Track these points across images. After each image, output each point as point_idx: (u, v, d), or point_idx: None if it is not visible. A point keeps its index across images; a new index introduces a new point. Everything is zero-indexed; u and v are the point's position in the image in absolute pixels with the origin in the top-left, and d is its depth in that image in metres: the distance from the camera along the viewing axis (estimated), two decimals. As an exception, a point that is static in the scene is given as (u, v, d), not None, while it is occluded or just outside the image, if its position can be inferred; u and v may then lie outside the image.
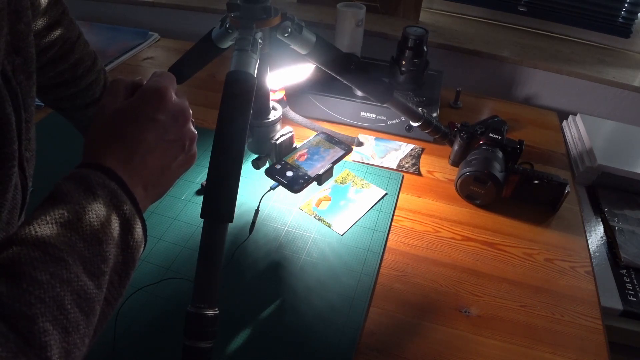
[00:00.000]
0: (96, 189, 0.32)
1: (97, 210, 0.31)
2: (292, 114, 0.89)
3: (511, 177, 0.74)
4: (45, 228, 0.28)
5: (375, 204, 0.75)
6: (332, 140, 0.69)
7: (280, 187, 0.61)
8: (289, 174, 0.61)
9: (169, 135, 0.37)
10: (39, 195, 0.31)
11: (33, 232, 0.28)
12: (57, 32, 0.52)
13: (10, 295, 0.25)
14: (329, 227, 0.71)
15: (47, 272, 0.27)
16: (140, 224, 0.34)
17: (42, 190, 0.31)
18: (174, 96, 0.38)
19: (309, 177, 0.61)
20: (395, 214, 0.74)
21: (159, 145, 0.37)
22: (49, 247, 0.28)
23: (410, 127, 0.88)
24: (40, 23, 0.49)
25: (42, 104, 0.91)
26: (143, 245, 0.35)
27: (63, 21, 0.53)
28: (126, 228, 0.33)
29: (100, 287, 0.30)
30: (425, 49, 0.93)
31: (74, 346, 0.28)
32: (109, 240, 0.31)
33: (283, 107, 0.84)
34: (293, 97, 0.92)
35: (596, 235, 0.84)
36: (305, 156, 0.65)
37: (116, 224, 0.32)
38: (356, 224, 0.71)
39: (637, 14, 1.15)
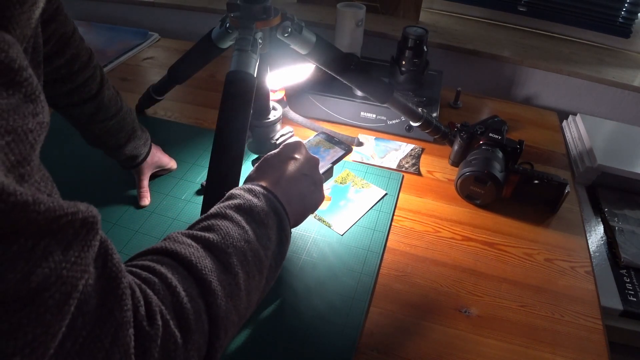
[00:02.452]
0: (259, 194, 0.43)
1: (260, 206, 0.41)
2: (292, 114, 0.89)
3: (511, 177, 0.74)
4: (228, 209, 0.40)
5: (375, 204, 0.75)
6: (332, 140, 0.69)
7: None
8: (289, 174, 0.61)
9: (304, 170, 0.49)
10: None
11: (221, 210, 0.40)
12: (52, 28, 0.53)
13: (215, 238, 0.36)
14: (329, 227, 0.71)
15: (236, 232, 0.38)
16: (289, 226, 0.44)
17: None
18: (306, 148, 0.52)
19: (309, 177, 0.61)
20: (395, 214, 0.74)
21: (297, 176, 0.48)
22: (234, 217, 0.39)
23: (410, 127, 0.88)
24: None
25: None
26: (289, 243, 0.45)
27: (57, 17, 0.54)
28: (280, 225, 0.43)
29: (267, 257, 0.40)
30: (425, 49, 0.93)
31: (250, 291, 0.37)
32: (271, 228, 0.41)
33: (283, 107, 0.84)
34: (293, 97, 0.92)
35: (596, 235, 0.84)
36: (305, 156, 0.65)
37: (274, 219, 0.42)
38: (356, 224, 0.71)
39: (637, 14, 1.15)
